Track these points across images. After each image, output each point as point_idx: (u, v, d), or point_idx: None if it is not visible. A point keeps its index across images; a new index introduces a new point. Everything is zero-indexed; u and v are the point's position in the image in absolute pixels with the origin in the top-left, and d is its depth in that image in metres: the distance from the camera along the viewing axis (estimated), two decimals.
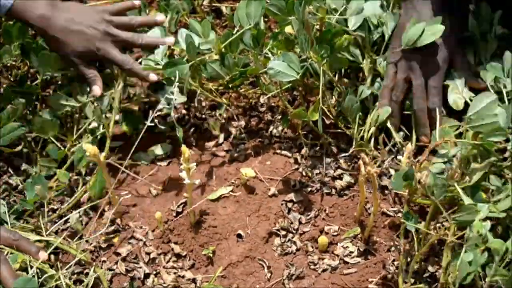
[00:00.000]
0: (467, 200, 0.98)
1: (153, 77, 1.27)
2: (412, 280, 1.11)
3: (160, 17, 1.34)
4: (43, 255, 1.04)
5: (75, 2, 1.37)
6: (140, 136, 1.21)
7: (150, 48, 1.31)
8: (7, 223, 1.17)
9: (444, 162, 1.11)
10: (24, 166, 1.32)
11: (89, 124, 1.30)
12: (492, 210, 0.94)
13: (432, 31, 1.21)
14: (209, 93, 1.36)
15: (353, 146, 1.27)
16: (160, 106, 1.24)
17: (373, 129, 1.26)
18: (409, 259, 1.11)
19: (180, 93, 1.28)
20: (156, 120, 1.27)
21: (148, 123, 1.22)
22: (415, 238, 1.10)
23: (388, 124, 1.27)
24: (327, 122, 1.35)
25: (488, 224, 0.91)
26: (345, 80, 1.35)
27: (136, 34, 1.31)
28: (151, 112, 1.25)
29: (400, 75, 1.26)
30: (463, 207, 0.95)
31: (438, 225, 1.14)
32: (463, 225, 0.97)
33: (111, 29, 1.28)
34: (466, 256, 0.87)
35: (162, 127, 1.30)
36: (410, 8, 1.28)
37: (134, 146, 1.22)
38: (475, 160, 1.05)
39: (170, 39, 1.31)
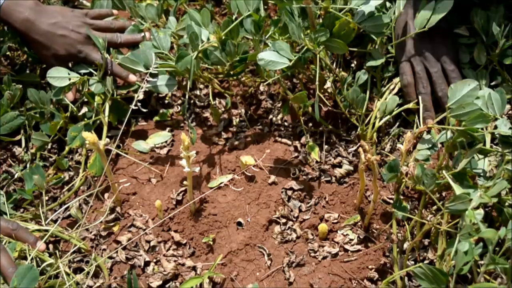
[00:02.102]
0: (458, 190, 0.98)
1: (132, 77, 1.31)
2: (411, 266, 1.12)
3: (134, 22, 1.40)
4: (41, 244, 1.05)
5: (58, 6, 1.41)
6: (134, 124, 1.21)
7: (128, 45, 1.36)
8: (6, 214, 1.17)
9: (429, 148, 1.11)
10: (19, 151, 1.33)
11: (81, 107, 1.34)
12: (483, 197, 0.94)
13: (442, 6, 1.21)
14: (209, 82, 1.36)
15: (358, 134, 1.28)
16: (141, 90, 1.26)
17: (384, 119, 1.26)
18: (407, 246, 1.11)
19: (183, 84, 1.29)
20: (139, 104, 1.28)
21: (132, 106, 1.23)
22: (407, 227, 1.10)
23: (421, 115, 1.27)
24: (328, 108, 1.35)
25: (481, 212, 0.91)
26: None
27: (115, 34, 1.35)
28: (135, 96, 1.26)
29: (418, 68, 1.29)
30: (455, 196, 0.94)
31: (438, 213, 1.14)
32: (456, 214, 0.97)
33: (92, 33, 1.32)
34: (461, 246, 0.87)
35: (144, 110, 1.34)
36: (409, 7, 1.31)
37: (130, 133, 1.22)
38: (461, 147, 1.05)
39: (146, 34, 1.36)
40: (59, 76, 1.27)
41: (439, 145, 1.17)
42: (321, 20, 1.23)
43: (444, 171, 1.03)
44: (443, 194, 1.20)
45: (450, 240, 0.98)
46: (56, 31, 1.29)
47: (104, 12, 1.41)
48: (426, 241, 1.16)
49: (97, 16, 1.38)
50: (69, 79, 1.27)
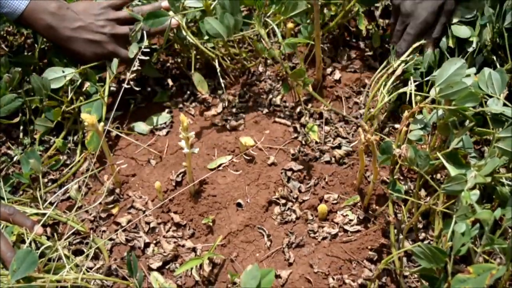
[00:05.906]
0: (453, 171, 0.97)
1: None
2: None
3: (164, 2, 1.32)
4: (38, 228, 1.04)
5: (82, 3, 1.33)
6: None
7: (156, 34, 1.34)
8: (3, 199, 1.17)
9: (421, 128, 1.10)
10: (17, 134, 1.33)
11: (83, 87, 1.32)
12: (477, 177, 0.94)
13: None
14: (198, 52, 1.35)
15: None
16: (133, 68, 1.23)
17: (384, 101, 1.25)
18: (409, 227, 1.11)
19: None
20: (131, 82, 1.26)
21: (125, 85, 1.22)
22: (403, 208, 1.10)
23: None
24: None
25: (476, 193, 0.90)
26: None
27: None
28: (127, 73, 1.24)
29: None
30: (451, 177, 0.94)
31: (435, 194, 1.14)
32: (452, 195, 0.97)
33: (117, 29, 1.29)
34: (458, 227, 0.87)
35: (137, 88, 1.31)
36: None
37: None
38: (453, 127, 1.04)
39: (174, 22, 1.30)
40: (54, 77, 1.27)
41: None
42: None
43: (438, 153, 1.03)
44: (440, 174, 1.20)
45: (446, 221, 0.97)
46: (79, 35, 1.27)
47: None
48: (425, 222, 1.16)
49: (121, 4, 1.33)
50: (65, 77, 1.28)
